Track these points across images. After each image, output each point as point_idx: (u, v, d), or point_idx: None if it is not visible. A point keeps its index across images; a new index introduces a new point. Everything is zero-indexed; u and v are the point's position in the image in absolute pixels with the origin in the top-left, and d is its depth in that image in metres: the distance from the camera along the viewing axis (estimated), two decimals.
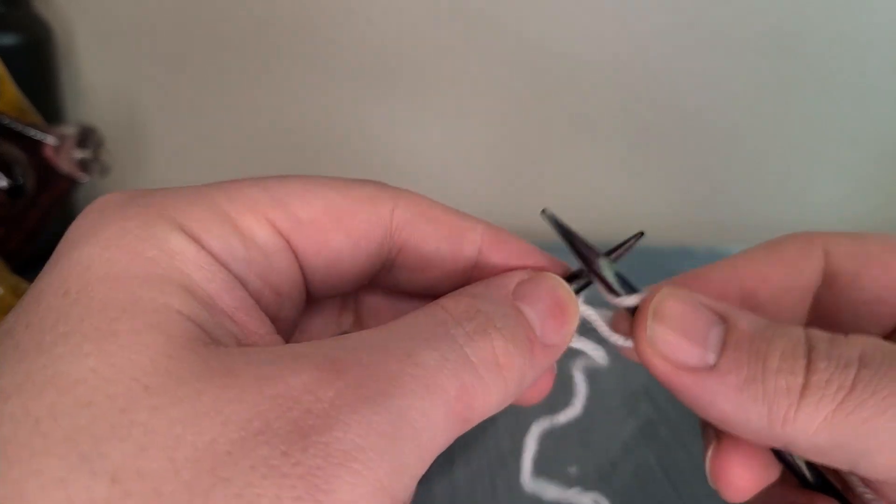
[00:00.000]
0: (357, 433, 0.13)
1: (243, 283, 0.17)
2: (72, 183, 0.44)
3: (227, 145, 0.63)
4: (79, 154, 0.44)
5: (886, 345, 0.17)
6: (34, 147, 0.43)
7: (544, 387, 0.21)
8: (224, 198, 0.17)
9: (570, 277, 0.20)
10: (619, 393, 0.40)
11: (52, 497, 0.12)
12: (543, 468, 0.32)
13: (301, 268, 0.18)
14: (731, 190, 0.68)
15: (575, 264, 0.20)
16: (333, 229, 0.18)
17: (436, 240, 0.19)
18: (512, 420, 0.37)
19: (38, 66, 0.52)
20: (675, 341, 0.18)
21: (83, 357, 0.13)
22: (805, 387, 0.16)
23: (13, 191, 0.43)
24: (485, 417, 0.16)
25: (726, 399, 0.17)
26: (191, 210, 0.16)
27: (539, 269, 0.20)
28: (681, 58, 0.61)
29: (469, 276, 0.20)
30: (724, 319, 0.18)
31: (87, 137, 0.45)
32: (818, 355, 0.17)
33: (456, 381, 0.15)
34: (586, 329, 0.20)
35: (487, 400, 0.16)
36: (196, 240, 0.16)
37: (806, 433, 0.16)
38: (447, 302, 0.17)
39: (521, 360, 0.17)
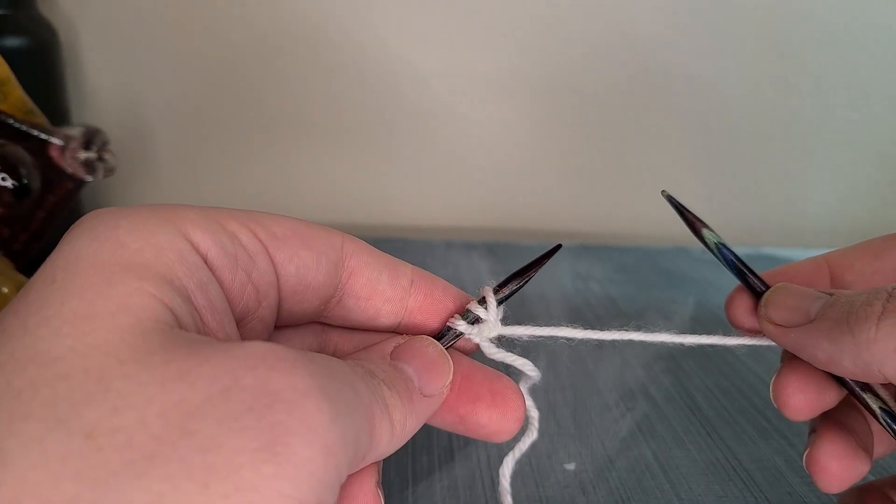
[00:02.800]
0: (315, 397, 0.15)
1: (230, 278, 0.19)
2: (77, 183, 0.45)
3: (231, 146, 0.64)
4: (84, 155, 0.45)
5: None
6: (40, 148, 0.43)
7: (514, 422, 0.23)
8: (211, 208, 0.19)
9: (465, 313, 0.23)
10: (616, 389, 0.40)
11: (30, 453, 0.13)
12: (542, 465, 0.33)
13: (276, 275, 0.20)
14: (727, 191, 0.68)
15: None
16: (301, 246, 0.20)
17: (378, 268, 0.22)
18: None
19: (43, 68, 0.52)
20: (782, 308, 0.23)
21: (62, 337, 0.15)
22: (883, 313, 0.19)
23: (19, 191, 0.43)
24: (375, 457, 0.18)
25: (823, 339, 0.21)
26: (184, 211, 0.18)
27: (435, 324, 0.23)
28: (678, 59, 0.62)
29: (405, 305, 0.23)
30: (830, 295, 0.22)
31: (92, 138, 0.46)
32: None
33: (369, 410, 0.18)
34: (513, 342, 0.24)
35: (382, 436, 0.18)
36: (186, 236, 0.18)
37: (886, 352, 0.19)
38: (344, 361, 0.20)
39: (402, 408, 0.19)
